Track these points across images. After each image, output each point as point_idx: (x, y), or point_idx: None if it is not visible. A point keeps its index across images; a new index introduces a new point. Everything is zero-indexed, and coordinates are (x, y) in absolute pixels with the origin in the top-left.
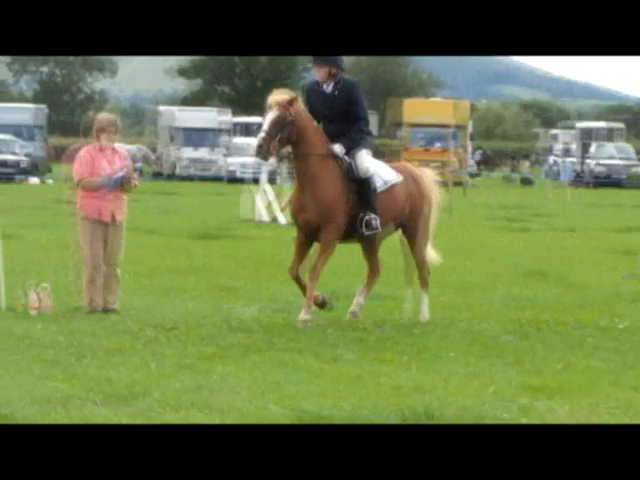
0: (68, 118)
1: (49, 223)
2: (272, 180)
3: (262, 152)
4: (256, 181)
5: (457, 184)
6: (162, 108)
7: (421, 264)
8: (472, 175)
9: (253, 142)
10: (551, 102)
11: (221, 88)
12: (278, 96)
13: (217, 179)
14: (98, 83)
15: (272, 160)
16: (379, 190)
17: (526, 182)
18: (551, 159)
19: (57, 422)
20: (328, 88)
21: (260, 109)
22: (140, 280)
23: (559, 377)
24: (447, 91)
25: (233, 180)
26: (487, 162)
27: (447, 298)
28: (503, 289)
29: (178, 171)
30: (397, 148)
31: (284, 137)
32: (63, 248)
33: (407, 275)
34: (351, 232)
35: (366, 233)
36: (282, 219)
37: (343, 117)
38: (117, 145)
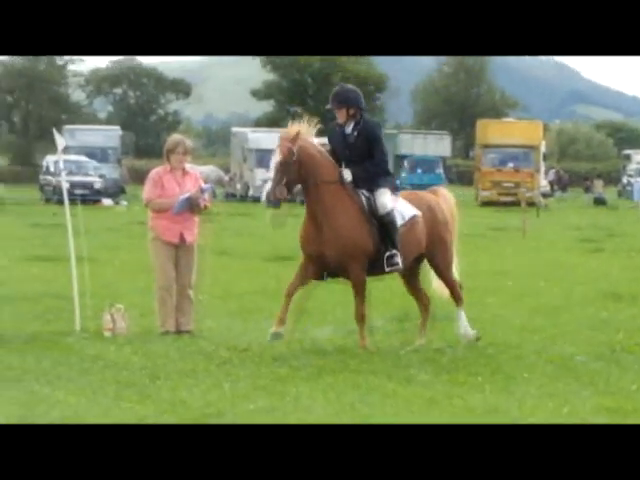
0: (142, 140)
1: (123, 245)
2: None
3: (272, 201)
4: None
5: (530, 204)
6: (235, 129)
7: (451, 285)
8: (545, 195)
9: None
10: (624, 122)
11: (294, 109)
12: (282, 135)
13: (290, 201)
14: (171, 105)
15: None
16: (399, 225)
17: (600, 202)
18: (624, 179)
19: None
20: (348, 129)
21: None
22: (214, 302)
23: (633, 398)
24: (520, 111)
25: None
26: (560, 182)
27: (520, 320)
28: (577, 310)
29: (251, 192)
30: (470, 169)
31: (291, 178)
32: (138, 270)
33: (419, 304)
34: (375, 269)
35: (388, 270)
36: None
37: (363, 158)
38: (189, 166)
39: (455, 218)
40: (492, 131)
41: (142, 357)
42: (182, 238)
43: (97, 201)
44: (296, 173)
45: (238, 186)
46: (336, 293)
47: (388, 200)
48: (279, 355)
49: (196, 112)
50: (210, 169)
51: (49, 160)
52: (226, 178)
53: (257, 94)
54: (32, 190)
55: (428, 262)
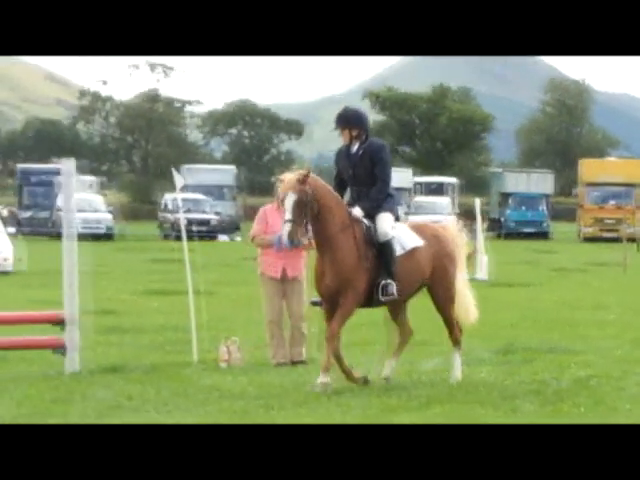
0: (256, 178)
1: (238, 279)
2: None
3: (295, 241)
4: None
5: (631, 240)
6: None
7: (450, 323)
8: None
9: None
10: None
11: (402, 149)
12: (290, 177)
13: None
14: (284, 144)
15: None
16: (399, 254)
17: None
18: None
19: None
20: (353, 149)
21: (439, 169)
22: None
23: None
24: (622, 150)
25: None
26: None
27: (622, 351)
28: None
29: None
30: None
31: (309, 216)
32: (251, 303)
33: (390, 340)
34: (371, 299)
35: (382, 299)
36: (480, 275)
37: (368, 179)
38: None
39: (462, 253)
40: (594, 170)
41: (257, 388)
42: (284, 273)
43: (213, 237)
44: (312, 209)
45: None
46: (442, 327)
47: (389, 227)
48: (389, 386)
49: (308, 151)
50: None
51: (167, 198)
52: None
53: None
54: (151, 227)
55: (429, 293)
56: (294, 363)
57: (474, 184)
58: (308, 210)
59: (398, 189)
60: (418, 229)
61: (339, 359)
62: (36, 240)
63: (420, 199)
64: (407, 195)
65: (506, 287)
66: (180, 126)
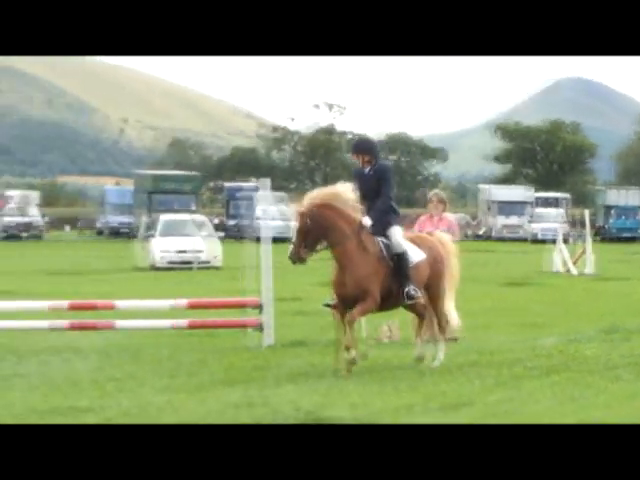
0: (410, 194)
1: None
2: (566, 240)
3: (295, 260)
4: (554, 241)
5: None
6: (482, 186)
7: (440, 315)
8: None
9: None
10: None
11: (525, 170)
12: (297, 210)
13: (523, 240)
14: (432, 167)
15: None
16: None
17: None
18: None
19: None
20: (365, 170)
21: (555, 187)
22: (464, 318)
23: None
24: None
25: (535, 241)
26: None
27: None
28: None
29: (493, 234)
30: None
31: (310, 240)
32: None
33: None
34: (392, 302)
35: (408, 303)
36: (574, 271)
37: (376, 195)
38: (445, 214)
39: (452, 257)
40: None
41: (412, 358)
42: None
43: None
44: (314, 235)
45: (483, 229)
46: (558, 309)
47: (401, 239)
48: (516, 358)
49: (451, 172)
50: (461, 216)
51: None
52: (474, 223)
53: (498, 159)
54: None
55: (426, 291)
56: (446, 340)
57: (582, 199)
58: (310, 235)
59: (523, 203)
60: (417, 241)
61: (347, 348)
62: (238, 243)
63: (540, 210)
64: (529, 207)
65: (609, 280)
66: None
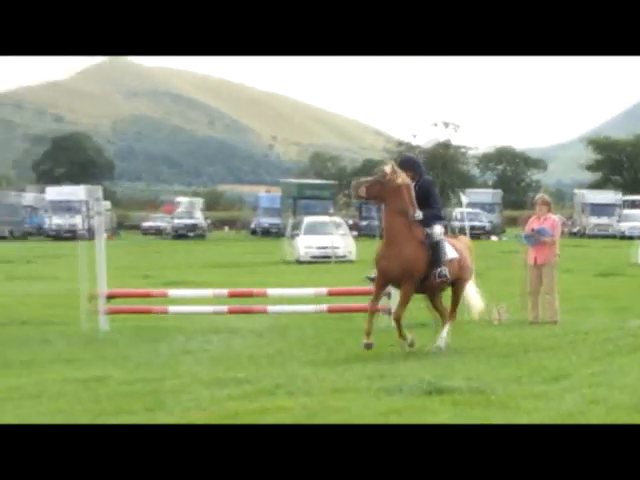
0: (516, 198)
1: (502, 266)
2: None
3: (356, 190)
4: None
5: None
6: (577, 191)
7: (455, 304)
8: None
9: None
10: None
11: (614, 178)
12: (389, 165)
13: (612, 237)
14: (534, 175)
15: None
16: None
17: None
18: None
19: (512, 394)
20: (413, 185)
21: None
22: (564, 303)
23: None
24: None
25: (623, 237)
26: None
27: None
28: None
29: (587, 232)
30: None
31: (375, 192)
32: (510, 282)
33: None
34: (427, 285)
35: (438, 281)
36: None
37: (422, 204)
38: (549, 214)
39: (472, 257)
40: None
41: (518, 338)
42: (535, 260)
43: (487, 237)
44: (379, 193)
45: (577, 227)
46: None
47: (440, 232)
48: (607, 337)
49: (550, 179)
50: (558, 217)
51: (457, 211)
52: (569, 222)
53: (590, 168)
54: None
55: (452, 286)
56: (545, 323)
57: None
58: (380, 188)
59: (612, 205)
60: (453, 242)
61: (400, 328)
62: (369, 240)
63: (627, 211)
64: (618, 209)
65: None
66: (464, 164)
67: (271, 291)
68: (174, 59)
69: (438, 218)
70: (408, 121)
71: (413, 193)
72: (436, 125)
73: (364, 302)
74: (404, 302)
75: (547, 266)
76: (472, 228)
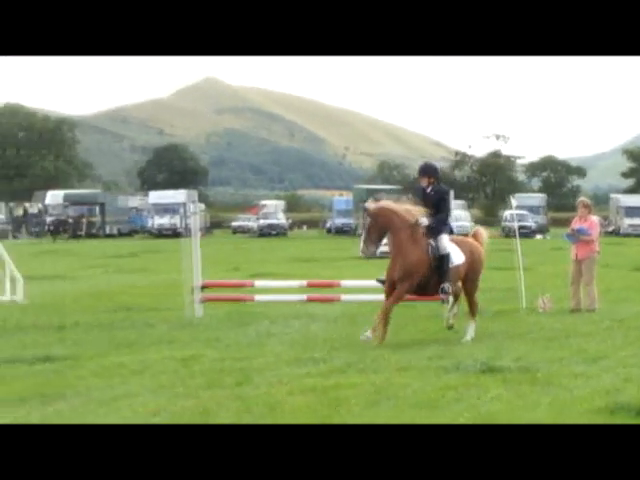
0: (558, 201)
1: (546, 261)
2: None
3: (367, 254)
4: None
5: None
6: (612, 195)
7: (472, 303)
8: None
9: None
10: None
11: None
12: (369, 210)
13: None
14: (574, 181)
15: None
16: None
17: None
18: None
19: (555, 372)
20: (428, 189)
21: None
22: (603, 294)
23: None
24: None
25: None
26: None
27: None
28: None
29: (621, 231)
30: None
31: (375, 235)
32: (554, 275)
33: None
34: (430, 292)
35: (441, 296)
36: None
37: (433, 209)
38: (590, 216)
39: (484, 261)
40: None
41: (561, 324)
42: (576, 256)
43: (532, 236)
44: (379, 230)
45: (612, 227)
46: None
47: (447, 244)
48: (637, 325)
49: (589, 185)
50: (597, 218)
51: (507, 213)
52: (605, 223)
53: (624, 174)
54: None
55: (462, 285)
56: (586, 310)
57: None
58: (376, 229)
59: None
60: (459, 243)
61: (385, 322)
62: None
63: None
64: None
65: None
66: (513, 171)
67: (344, 282)
68: (259, 78)
69: (444, 224)
70: (464, 133)
71: (399, 206)
72: (488, 137)
73: None
74: (398, 298)
75: (586, 261)
76: (520, 228)
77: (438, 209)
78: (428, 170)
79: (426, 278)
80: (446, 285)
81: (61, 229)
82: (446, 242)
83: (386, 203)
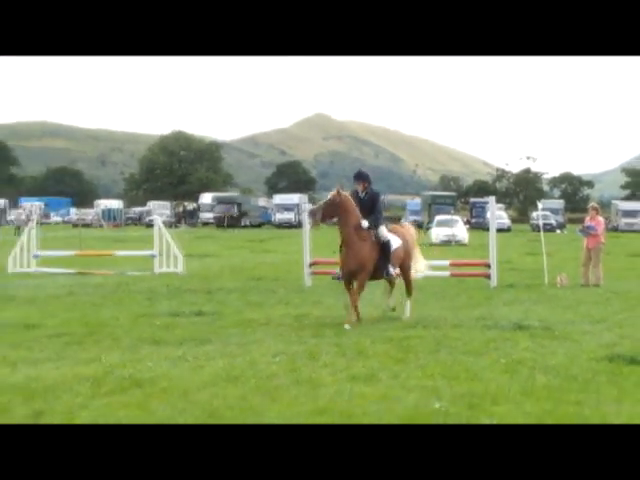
0: (573, 206)
1: (562, 249)
2: None
3: (312, 217)
4: None
5: None
6: (614, 201)
7: (408, 283)
8: None
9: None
10: None
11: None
12: (332, 193)
13: (637, 231)
14: (586, 191)
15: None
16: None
17: None
18: None
19: (569, 330)
20: (362, 194)
21: None
22: (607, 273)
23: None
24: None
25: None
26: None
27: None
28: None
29: (619, 228)
30: None
31: (328, 213)
32: (569, 259)
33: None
34: (378, 275)
35: (385, 277)
36: None
37: (367, 211)
38: (597, 217)
39: (415, 241)
40: None
41: (574, 295)
42: (587, 245)
43: (553, 231)
44: (333, 212)
45: (613, 225)
46: None
47: (385, 233)
48: (635, 296)
49: (596, 194)
50: (602, 218)
51: (535, 213)
52: (607, 222)
53: (622, 187)
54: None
55: (400, 267)
56: (592, 286)
57: None
58: (332, 209)
59: (637, 210)
60: (393, 231)
61: (355, 308)
62: (476, 231)
63: None
64: None
65: None
66: (539, 183)
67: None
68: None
69: (381, 221)
70: (503, 155)
71: (355, 207)
72: (521, 158)
73: (475, 270)
74: (360, 287)
75: (594, 249)
76: (544, 224)
77: (371, 210)
78: (361, 177)
79: (376, 265)
80: (389, 268)
81: (218, 222)
82: (385, 232)
83: (349, 199)
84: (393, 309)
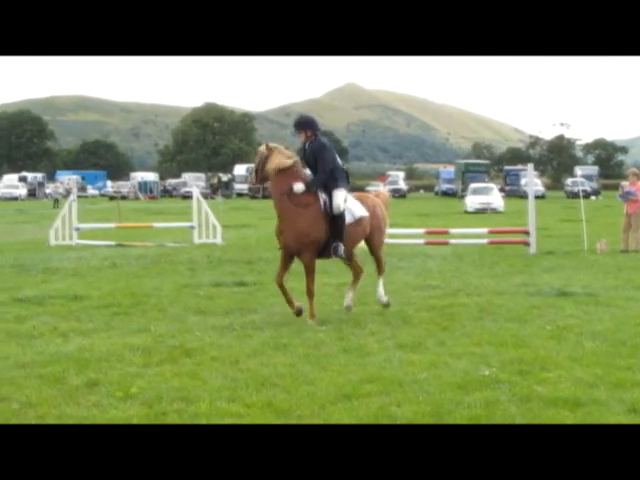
0: (607, 172)
1: (599, 215)
2: None
3: (253, 185)
4: None
5: None
6: None
7: (379, 260)
8: None
9: None
10: None
11: None
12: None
13: None
14: (619, 157)
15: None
16: (350, 221)
17: None
18: None
19: (612, 296)
20: (306, 146)
21: None
22: None
23: None
24: None
25: None
26: None
27: None
28: None
29: None
30: None
31: (259, 177)
32: (608, 225)
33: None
34: (325, 253)
35: (333, 256)
36: None
37: (313, 167)
38: (637, 181)
39: (389, 212)
40: None
41: (614, 261)
42: (626, 211)
43: (588, 197)
44: (262, 175)
45: None
46: None
47: (341, 202)
48: None
49: (630, 160)
50: None
51: (570, 180)
52: None
53: None
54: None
55: (366, 242)
56: (631, 251)
57: None
58: (260, 170)
59: None
60: (361, 199)
61: (288, 296)
62: (510, 198)
63: None
64: None
65: None
66: (573, 150)
67: (452, 230)
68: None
69: (340, 180)
70: (537, 121)
71: (289, 164)
72: (554, 125)
73: (513, 237)
74: (309, 272)
75: (634, 214)
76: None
77: (317, 168)
78: (301, 124)
79: (326, 240)
80: (339, 245)
81: (253, 193)
82: (340, 200)
83: (279, 155)
84: (347, 308)
